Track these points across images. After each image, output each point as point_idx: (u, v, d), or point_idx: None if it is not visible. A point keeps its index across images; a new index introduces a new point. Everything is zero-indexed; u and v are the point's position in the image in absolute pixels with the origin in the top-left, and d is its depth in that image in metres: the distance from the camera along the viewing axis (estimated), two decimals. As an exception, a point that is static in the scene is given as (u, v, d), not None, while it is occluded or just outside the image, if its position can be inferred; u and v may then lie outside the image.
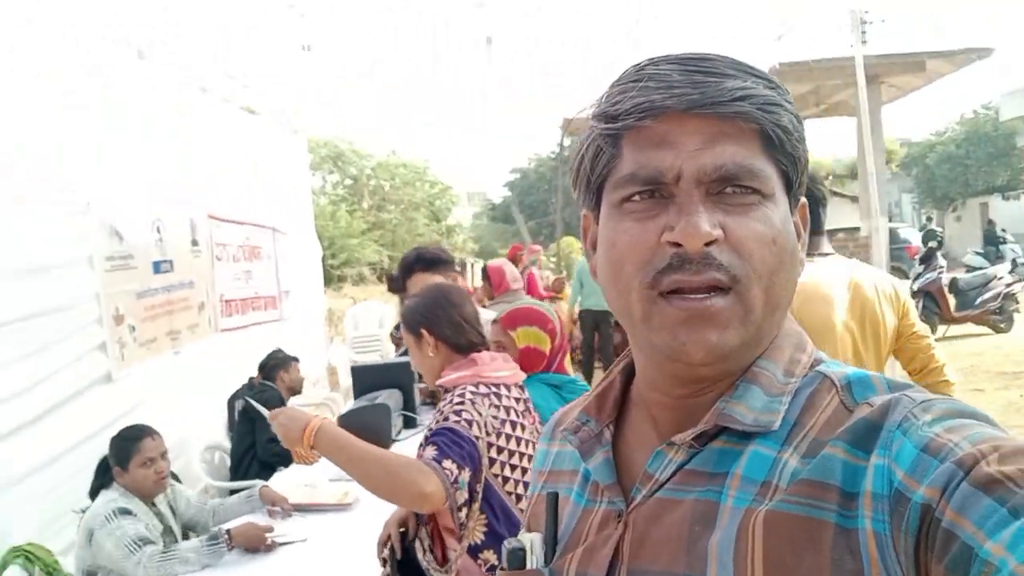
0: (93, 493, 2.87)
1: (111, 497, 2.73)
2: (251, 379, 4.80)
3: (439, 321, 2.03)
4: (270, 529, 2.65)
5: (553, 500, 0.77)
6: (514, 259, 9.36)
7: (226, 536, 2.53)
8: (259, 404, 2.09)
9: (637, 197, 0.67)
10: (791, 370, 0.70)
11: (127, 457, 2.80)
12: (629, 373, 0.80)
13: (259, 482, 3.35)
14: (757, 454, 0.65)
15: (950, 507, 0.53)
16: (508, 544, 0.77)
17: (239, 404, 4.55)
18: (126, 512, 2.64)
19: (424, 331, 2.04)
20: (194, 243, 5.24)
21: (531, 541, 0.77)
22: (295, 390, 4.85)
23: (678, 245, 0.64)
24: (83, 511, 2.81)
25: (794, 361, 0.71)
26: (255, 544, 2.56)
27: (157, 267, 4.65)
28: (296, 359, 4.96)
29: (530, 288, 9.06)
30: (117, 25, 4.04)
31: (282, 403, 4.48)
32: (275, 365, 4.83)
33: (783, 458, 0.64)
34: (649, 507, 0.69)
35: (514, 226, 26.27)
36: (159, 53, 4.34)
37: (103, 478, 2.85)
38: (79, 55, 3.86)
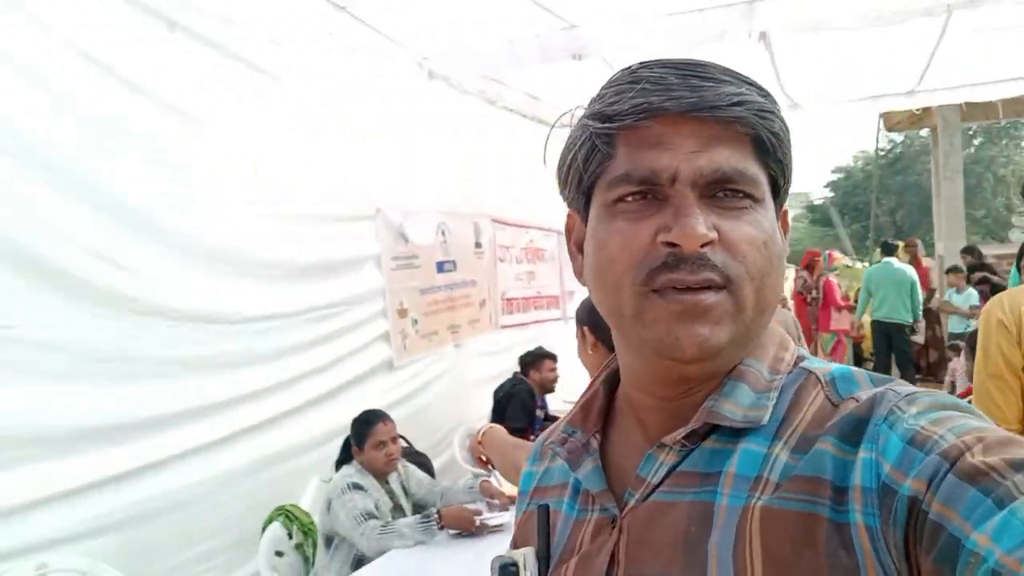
0: (337, 466, 3.25)
1: (348, 472, 3.09)
2: (514, 373, 5.07)
3: (600, 323, 2.05)
4: (479, 512, 2.81)
5: (544, 513, 0.76)
6: (810, 266, 8.78)
7: (436, 516, 2.74)
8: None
9: (631, 197, 0.67)
10: (776, 367, 0.72)
11: (363, 438, 3.14)
12: (612, 383, 0.81)
13: (482, 473, 3.55)
14: (748, 451, 0.66)
15: (936, 499, 0.54)
16: (498, 560, 0.76)
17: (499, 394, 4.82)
18: (358, 487, 2.97)
19: (586, 329, 2.11)
20: (477, 245, 5.67)
21: (523, 556, 0.76)
22: (547, 387, 5.00)
23: (674, 245, 0.64)
24: (327, 481, 3.21)
25: (778, 359, 0.72)
26: (464, 526, 2.74)
27: (440, 267, 5.11)
28: (552, 356, 5.10)
29: (826, 297, 8.44)
30: (410, 47, 4.50)
31: (532, 398, 4.68)
32: (530, 362, 5.03)
33: (773, 452, 0.65)
34: (643, 511, 0.68)
35: (834, 230, 24.50)
36: (441, 70, 4.76)
37: (345, 455, 3.23)
38: (376, 81, 4.39)
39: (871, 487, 0.59)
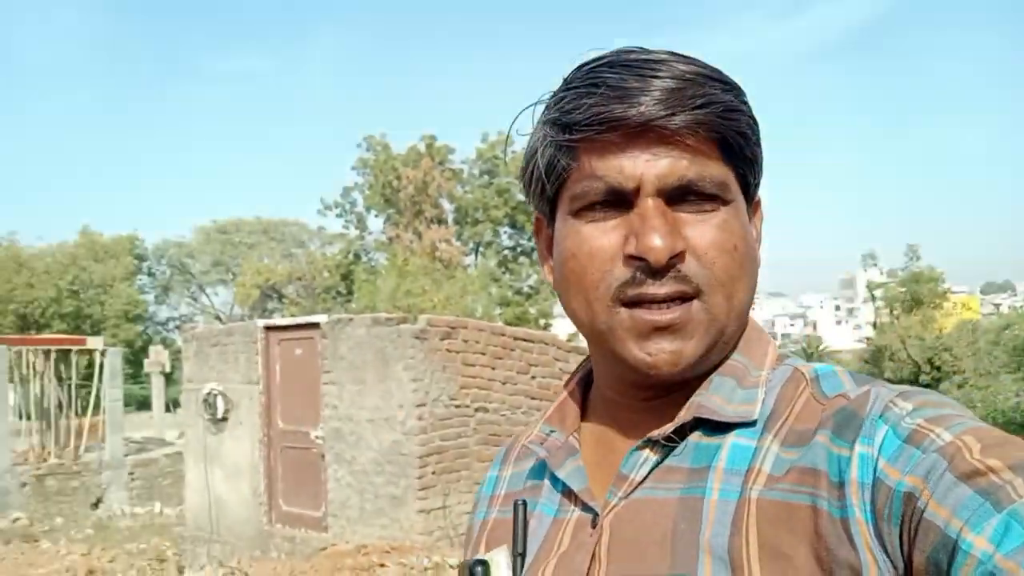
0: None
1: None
2: None
3: None
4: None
5: (522, 509, 0.73)
6: None
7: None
8: None
9: (597, 207, 0.66)
10: (761, 362, 0.71)
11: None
12: (587, 383, 0.80)
13: None
14: (737, 446, 0.66)
15: (933, 497, 0.54)
16: (471, 564, 0.73)
17: None
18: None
19: None
20: None
21: (493, 557, 0.74)
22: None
23: (641, 259, 0.64)
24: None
25: (762, 354, 0.72)
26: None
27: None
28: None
29: None
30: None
31: None
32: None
33: (763, 446, 0.65)
34: (626, 508, 0.67)
35: None
36: None
37: None
38: None
39: (867, 482, 0.58)
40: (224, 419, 8.46)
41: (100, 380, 12.88)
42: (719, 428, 0.67)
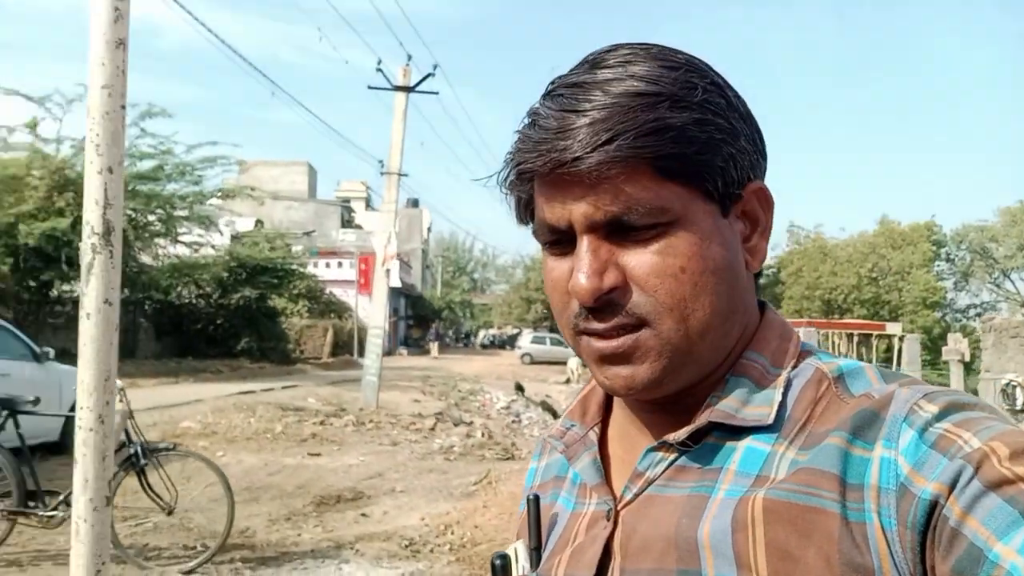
0: None
1: None
2: None
3: None
4: None
5: (535, 504, 0.74)
6: None
7: None
8: None
9: (548, 244, 0.69)
10: (779, 360, 0.70)
11: None
12: None
13: None
14: (751, 449, 0.65)
15: (959, 505, 0.53)
16: (493, 557, 0.77)
17: None
18: None
19: None
20: None
21: (515, 549, 0.77)
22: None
23: None
24: None
25: (781, 351, 0.71)
26: None
27: None
28: None
29: None
30: None
31: None
32: None
33: (779, 451, 0.64)
34: (639, 504, 0.68)
35: None
36: None
37: None
38: None
39: (889, 487, 0.57)
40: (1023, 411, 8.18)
41: (898, 364, 13.57)
42: (735, 430, 0.66)
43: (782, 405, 0.66)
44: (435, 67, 16.01)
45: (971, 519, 0.52)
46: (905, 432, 0.59)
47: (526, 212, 0.71)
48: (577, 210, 0.65)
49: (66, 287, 19.22)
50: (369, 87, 15.85)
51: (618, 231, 0.65)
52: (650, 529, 0.65)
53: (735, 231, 0.69)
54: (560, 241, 0.67)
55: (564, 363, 30.91)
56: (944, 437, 0.57)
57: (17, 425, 5.52)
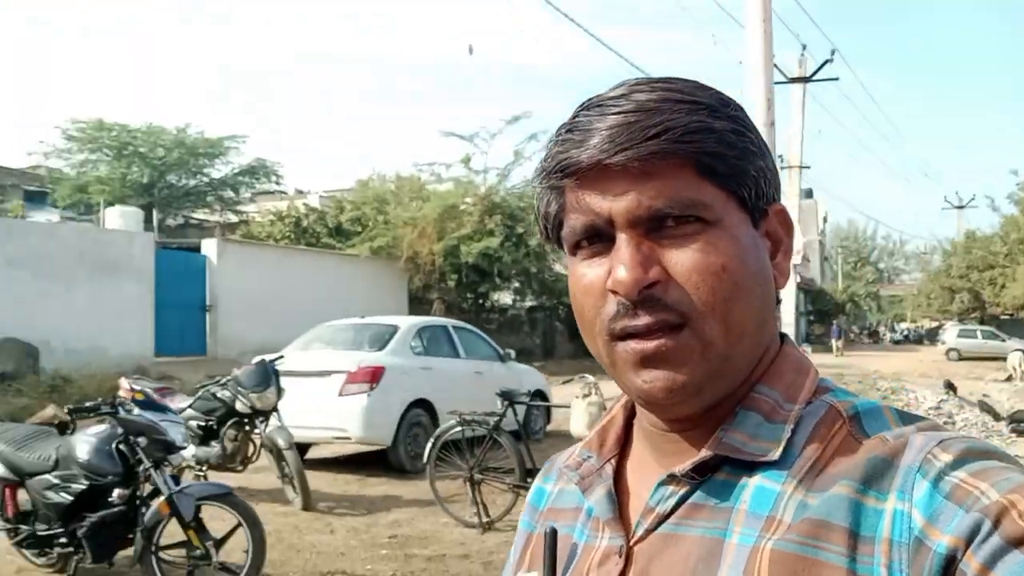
0: None
1: None
2: None
3: None
4: None
5: (552, 537, 0.72)
6: None
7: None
8: None
9: (584, 243, 0.68)
10: (793, 395, 0.68)
11: None
12: (632, 408, 0.78)
13: None
14: (762, 488, 0.64)
15: (977, 560, 0.53)
16: None
17: None
18: None
19: None
20: None
21: None
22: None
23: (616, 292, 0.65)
24: None
25: (796, 386, 0.69)
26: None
27: None
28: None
29: None
30: None
31: None
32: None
33: (787, 491, 0.63)
34: (651, 542, 0.67)
35: None
36: None
37: None
38: None
39: (902, 541, 0.56)
40: None
41: None
42: (746, 465, 0.65)
43: (791, 442, 0.65)
44: (833, 52, 15.27)
45: (991, 575, 0.52)
46: (919, 483, 0.58)
47: (554, 223, 0.71)
48: (619, 204, 0.64)
49: (495, 296, 22.06)
50: (762, 82, 15.63)
51: (657, 229, 0.65)
52: (664, 570, 0.65)
53: (763, 245, 0.69)
54: (594, 243, 0.67)
55: (999, 359, 27.20)
56: (960, 488, 0.56)
57: (515, 413, 6.62)
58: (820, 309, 47.74)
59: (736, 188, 0.66)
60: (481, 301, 21.99)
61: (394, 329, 8.78)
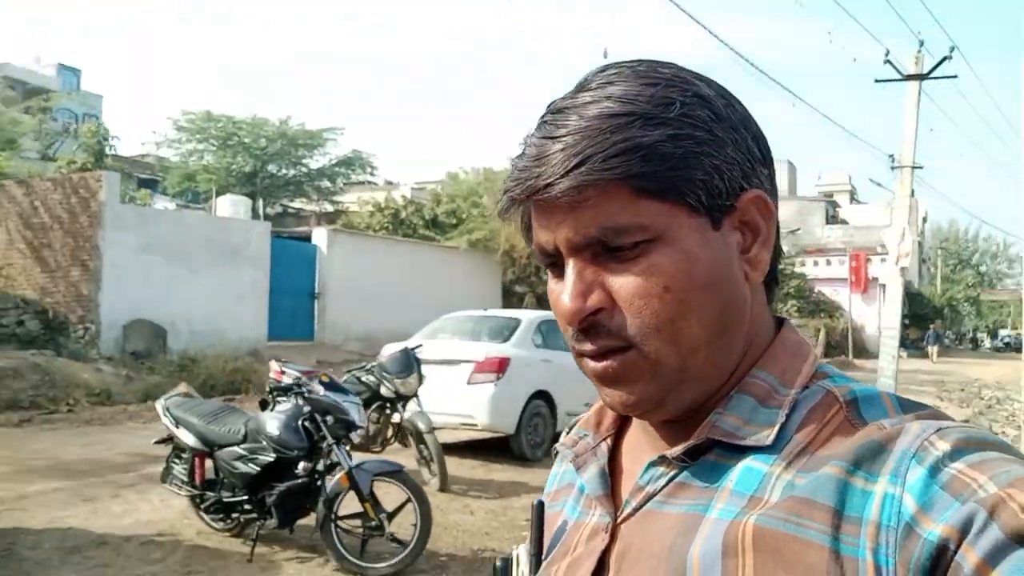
0: None
1: None
2: None
3: None
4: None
5: (539, 510, 0.75)
6: None
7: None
8: None
9: (547, 266, 0.70)
10: (789, 380, 0.68)
11: None
12: None
13: None
14: (749, 469, 0.64)
15: (976, 554, 0.51)
16: (495, 559, 0.81)
17: None
18: None
19: None
20: None
21: (517, 554, 0.79)
22: None
23: None
24: None
25: (792, 370, 0.69)
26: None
27: None
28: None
29: None
30: None
31: None
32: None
33: (775, 472, 0.63)
34: (637, 519, 0.68)
35: None
36: None
37: None
38: None
39: (891, 524, 0.55)
40: None
41: None
42: (736, 449, 0.65)
43: (785, 427, 0.65)
44: (952, 49, 14.78)
45: (988, 568, 0.51)
46: (914, 469, 0.57)
47: (528, 236, 0.72)
48: (560, 234, 0.66)
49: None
50: (876, 80, 15.26)
51: (603, 252, 0.65)
52: (645, 546, 0.66)
53: (729, 243, 0.68)
54: (556, 264, 0.69)
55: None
56: (957, 479, 0.55)
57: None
58: (917, 313, 46.10)
59: (679, 199, 0.65)
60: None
61: (517, 322, 9.06)
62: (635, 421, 0.76)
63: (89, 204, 13.93)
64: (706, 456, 0.67)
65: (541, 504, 0.76)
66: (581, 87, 0.68)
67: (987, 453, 0.57)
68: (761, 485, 0.63)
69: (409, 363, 7.08)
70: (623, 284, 0.65)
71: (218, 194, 20.89)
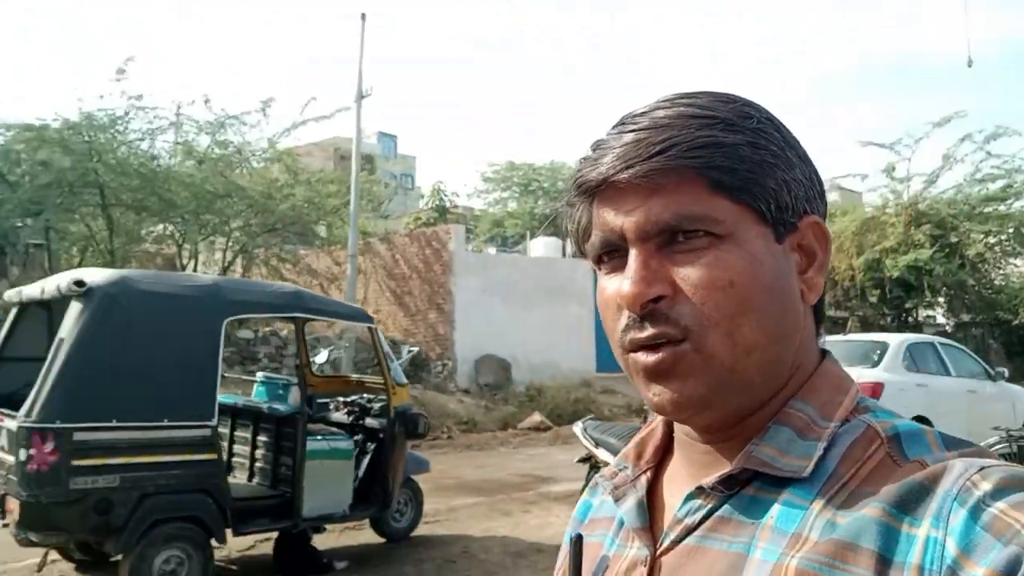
0: None
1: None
2: None
3: None
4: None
5: (577, 544, 0.73)
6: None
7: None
8: None
9: (605, 257, 0.69)
10: (829, 412, 0.66)
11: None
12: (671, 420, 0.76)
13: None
14: (789, 504, 0.62)
15: None
16: None
17: None
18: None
19: None
20: None
21: None
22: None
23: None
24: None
25: (833, 403, 0.67)
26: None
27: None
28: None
29: None
30: None
31: None
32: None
33: (815, 509, 0.61)
34: (676, 553, 0.67)
35: None
36: None
37: None
38: None
39: (934, 568, 0.54)
40: None
41: None
42: (776, 481, 0.64)
43: (824, 460, 0.63)
44: None
45: None
46: (956, 511, 0.55)
47: (584, 238, 0.70)
48: (629, 220, 0.65)
49: (927, 312, 20.56)
50: None
51: (669, 244, 0.65)
52: None
53: (790, 260, 0.67)
54: (613, 258, 0.68)
55: None
56: (999, 519, 0.53)
57: None
58: None
59: (752, 201, 0.65)
60: (903, 317, 20.59)
61: (884, 345, 8.78)
62: (676, 454, 0.74)
63: (441, 254, 15.78)
64: (745, 490, 0.65)
65: (580, 537, 0.74)
66: (655, 106, 0.68)
67: None
68: (802, 523, 0.61)
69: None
70: (688, 274, 0.64)
71: (524, 237, 22.46)
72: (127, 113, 13.17)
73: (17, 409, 4.57)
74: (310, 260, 17.06)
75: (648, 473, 0.75)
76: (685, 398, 0.65)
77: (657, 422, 0.78)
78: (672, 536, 0.68)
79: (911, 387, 8.36)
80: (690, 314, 0.64)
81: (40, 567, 5.20)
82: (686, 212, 0.64)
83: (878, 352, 8.64)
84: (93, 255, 13.95)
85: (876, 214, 19.15)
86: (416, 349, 11.57)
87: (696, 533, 0.66)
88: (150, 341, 4.64)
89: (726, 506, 0.65)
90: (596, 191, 0.67)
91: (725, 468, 0.66)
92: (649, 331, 0.64)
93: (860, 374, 8.24)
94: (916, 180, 18.92)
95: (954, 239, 18.56)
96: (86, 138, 12.58)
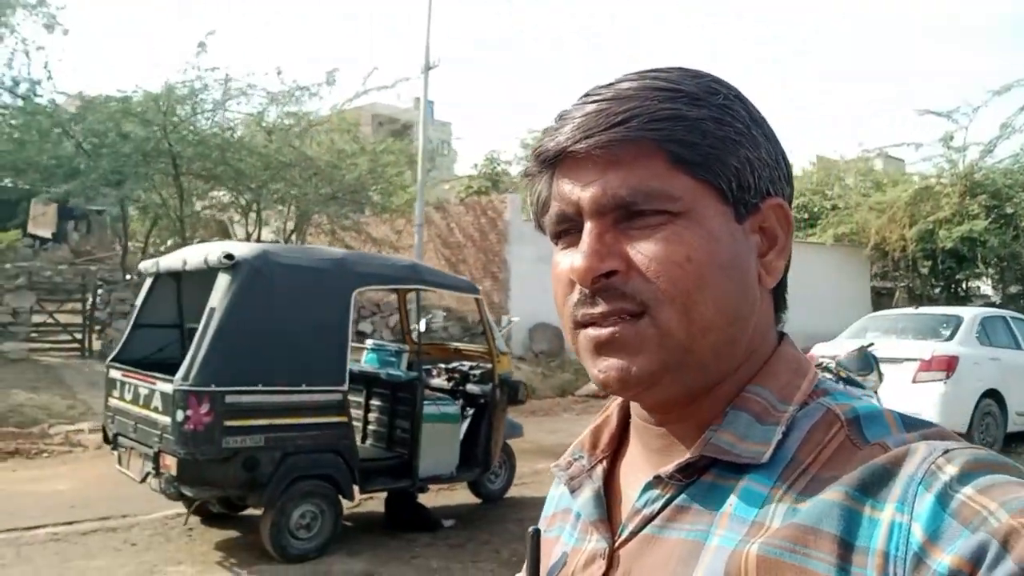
0: None
1: None
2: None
3: None
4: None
5: (535, 538, 0.72)
6: None
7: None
8: None
9: (563, 233, 0.68)
10: (787, 396, 0.65)
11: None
12: (627, 405, 0.75)
13: None
14: (749, 491, 0.62)
15: None
16: None
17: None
18: None
19: None
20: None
21: None
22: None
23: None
24: None
25: (792, 387, 0.66)
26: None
27: None
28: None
29: None
30: None
31: None
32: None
33: (776, 495, 0.60)
34: (635, 544, 0.66)
35: None
36: None
37: None
38: None
39: (898, 555, 0.53)
40: None
41: None
42: (735, 468, 0.63)
43: (783, 445, 0.62)
44: None
45: None
46: (922, 496, 0.53)
47: (543, 212, 0.69)
48: (586, 194, 0.64)
49: (975, 283, 20.39)
50: None
51: (626, 219, 0.63)
52: (644, 573, 0.63)
53: (750, 242, 0.66)
54: (569, 232, 0.66)
55: None
56: (966, 505, 0.52)
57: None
58: None
59: (712, 179, 0.64)
60: (953, 288, 20.47)
61: (958, 319, 8.86)
62: (632, 440, 0.73)
63: (496, 223, 15.96)
64: (704, 477, 0.64)
65: (537, 532, 0.72)
66: (622, 78, 0.67)
67: (996, 476, 0.54)
68: (762, 509, 0.60)
69: (868, 361, 7.31)
70: (643, 248, 0.63)
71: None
72: (205, 85, 13.44)
73: (155, 372, 4.89)
74: (370, 228, 17.35)
75: (604, 462, 0.74)
76: (633, 374, 0.63)
77: (612, 408, 0.77)
78: (630, 527, 0.66)
79: (985, 360, 8.44)
80: (646, 289, 0.62)
81: (186, 519, 5.57)
82: (643, 188, 0.62)
83: (952, 325, 8.74)
84: (164, 223, 14.34)
85: (930, 184, 18.98)
86: (517, 319, 11.72)
87: (654, 523, 0.65)
88: (289, 311, 4.93)
89: (684, 495, 0.64)
90: (555, 162, 0.66)
91: (682, 454, 0.65)
92: (602, 307, 0.63)
93: (935, 347, 8.38)
94: (972, 150, 18.72)
95: (1009, 210, 18.38)
96: (164, 110, 12.88)
